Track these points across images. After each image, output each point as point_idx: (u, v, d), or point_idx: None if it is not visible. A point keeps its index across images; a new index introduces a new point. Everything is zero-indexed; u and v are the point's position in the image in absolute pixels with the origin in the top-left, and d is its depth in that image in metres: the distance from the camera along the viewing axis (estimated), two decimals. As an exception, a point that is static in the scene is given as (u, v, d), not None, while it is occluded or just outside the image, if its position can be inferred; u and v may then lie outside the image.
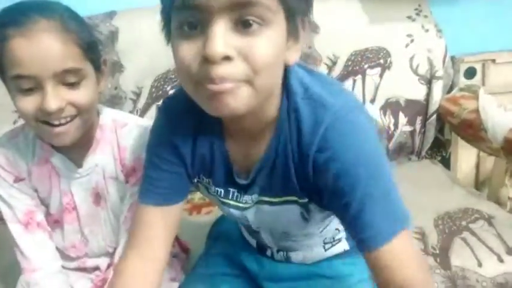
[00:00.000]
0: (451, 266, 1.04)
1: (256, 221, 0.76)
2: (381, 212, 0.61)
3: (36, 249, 0.91)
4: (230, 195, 0.74)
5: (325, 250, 0.86)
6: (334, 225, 0.84)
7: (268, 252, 0.89)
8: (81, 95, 0.72)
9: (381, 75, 1.31)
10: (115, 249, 0.95)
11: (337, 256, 0.87)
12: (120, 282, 0.71)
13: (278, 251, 0.88)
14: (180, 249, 1.10)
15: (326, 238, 0.85)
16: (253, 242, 0.93)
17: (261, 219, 0.75)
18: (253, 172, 0.68)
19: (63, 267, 0.96)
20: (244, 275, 0.98)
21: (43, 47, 0.67)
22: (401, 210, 0.62)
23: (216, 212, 1.16)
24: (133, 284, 0.71)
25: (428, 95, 1.33)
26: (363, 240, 0.62)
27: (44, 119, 0.71)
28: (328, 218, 0.76)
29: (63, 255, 0.96)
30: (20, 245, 0.90)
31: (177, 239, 1.09)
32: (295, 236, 0.82)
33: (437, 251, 1.05)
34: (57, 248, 0.95)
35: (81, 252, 0.95)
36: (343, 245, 0.87)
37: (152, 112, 1.28)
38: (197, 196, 1.34)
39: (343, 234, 0.85)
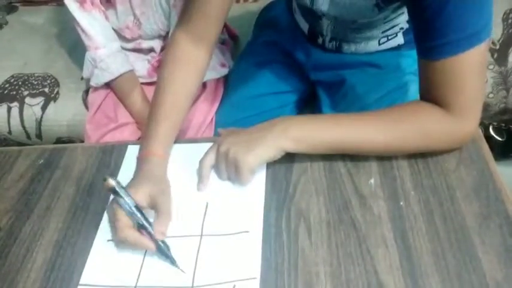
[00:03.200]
0: (507, 63, 1.01)
1: (327, 5, 0.73)
2: (459, 19, 0.56)
3: (96, 28, 0.94)
4: None
5: (379, 44, 0.84)
6: (401, 24, 0.80)
7: (320, 40, 0.88)
8: None
9: None
10: (167, 33, 0.97)
11: (390, 48, 0.85)
12: (172, 55, 0.75)
13: (331, 40, 0.86)
14: (228, 36, 1.10)
15: (385, 33, 0.82)
16: (305, 27, 0.91)
17: (333, 6, 0.72)
18: None
19: (121, 47, 1.00)
20: (291, 63, 0.99)
21: None
22: (485, 19, 0.57)
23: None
24: (184, 56, 0.74)
25: None
26: (427, 48, 0.59)
27: None
28: (401, 8, 0.72)
29: (120, 36, 0.99)
30: (80, 23, 0.93)
31: (225, 25, 1.08)
32: (360, 25, 0.79)
33: (498, 47, 1.01)
34: (114, 29, 0.98)
35: (135, 34, 0.98)
36: (398, 40, 0.84)
37: None
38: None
39: (402, 30, 0.82)
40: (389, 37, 0.85)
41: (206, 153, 0.68)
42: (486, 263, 0.55)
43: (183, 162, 0.71)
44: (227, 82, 1.05)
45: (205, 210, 0.65)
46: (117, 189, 0.61)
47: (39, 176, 0.74)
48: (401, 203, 0.62)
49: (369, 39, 0.85)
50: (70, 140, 1.18)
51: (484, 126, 1.20)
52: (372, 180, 0.65)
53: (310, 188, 0.66)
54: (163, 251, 0.60)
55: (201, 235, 0.62)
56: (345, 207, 0.63)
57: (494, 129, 1.20)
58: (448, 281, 0.54)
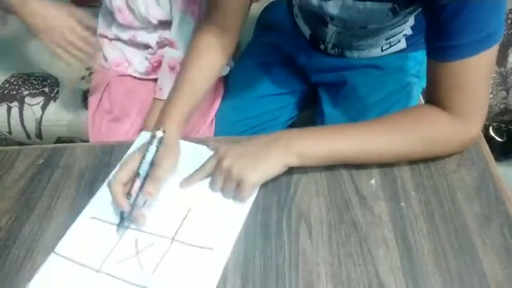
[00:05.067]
0: (507, 64, 1.01)
1: (338, 9, 0.73)
2: (476, 21, 0.55)
3: None
4: None
5: (382, 51, 0.84)
6: (405, 31, 0.79)
7: (322, 47, 0.88)
8: None
9: None
10: (159, 22, 0.97)
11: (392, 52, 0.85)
12: (195, 47, 0.80)
13: (333, 47, 0.86)
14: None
15: (388, 40, 0.81)
16: (307, 33, 0.91)
17: (344, 11, 0.72)
18: None
19: (118, 39, 1.00)
20: (291, 64, 0.99)
21: None
22: (500, 20, 0.56)
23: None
24: (205, 47, 0.79)
25: None
26: (440, 48, 0.58)
27: None
28: (412, 13, 0.72)
29: (116, 23, 0.99)
30: None
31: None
32: (368, 32, 0.79)
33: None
34: (109, 11, 0.98)
35: (127, 20, 0.98)
36: (401, 45, 0.84)
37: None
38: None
39: (405, 36, 0.81)
40: (392, 43, 0.84)
41: (206, 162, 0.67)
42: (487, 264, 0.55)
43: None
44: (227, 83, 1.05)
45: (186, 216, 0.65)
46: (156, 140, 0.65)
47: (39, 175, 0.74)
48: (402, 204, 0.62)
49: (372, 46, 0.85)
50: (70, 140, 1.18)
51: (484, 127, 1.20)
52: (373, 181, 0.65)
53: (311, 188, 0.66)
54: (122, 216, 0.64)
55: (173, 239, 0.62)
56: (346, 208, 0.63)
57: (494, 130, 1.20)
58: (449, 281, 0.54)
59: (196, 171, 0.68)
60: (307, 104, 1.04)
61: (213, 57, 0.79)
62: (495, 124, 1.21)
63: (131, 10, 0.99)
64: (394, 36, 0.82)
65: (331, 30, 0.84)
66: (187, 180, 0.68)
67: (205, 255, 0.60)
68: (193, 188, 0.68)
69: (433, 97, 0.63)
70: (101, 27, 1.11)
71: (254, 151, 0.64)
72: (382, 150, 0.64)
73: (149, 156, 0.65)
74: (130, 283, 0.58)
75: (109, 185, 0.65)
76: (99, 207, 0.67)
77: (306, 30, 0.91)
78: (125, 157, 0.71)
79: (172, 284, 0.58)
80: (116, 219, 0.65)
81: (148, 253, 0.61)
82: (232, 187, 0.64)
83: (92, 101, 1.07)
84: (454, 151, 0.66)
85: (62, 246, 0.63)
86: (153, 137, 0.66)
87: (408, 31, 0.82)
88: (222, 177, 0.64)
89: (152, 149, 0.65)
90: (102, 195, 0.68)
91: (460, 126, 0.62)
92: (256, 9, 1.18)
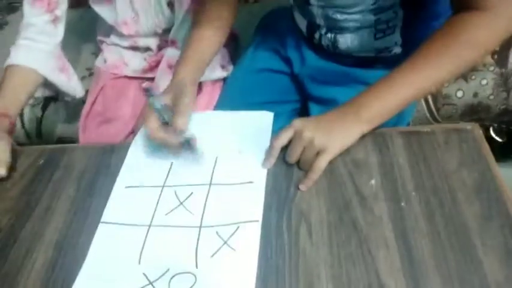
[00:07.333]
0: (508, 64, 1.01)
1: None
2: None
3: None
4: None
5: (375, 39, 0.83)
6: (395, 8, 0.79)
7: (317, 36, 0.88)
8: None
9: None
10: (163, 30, 0.98)
11: (387, 62, 0.84)
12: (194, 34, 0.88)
13: (326, 32, 0.86)
14: (229, 38, 1.10)
15: (378, 18, 0.80)
16: (303, 24, 0.91)
17: None
18: None
19: (117, 44, 1.00)
20: (288, 72, 1.00)
21: None
22: None
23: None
24: (206, 30, 0.89)
25: None
26: None
27: None
28: None
29: (116, 32, 0.99)
30: None
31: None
32: (346, 2, 0.79)
33: (498, 48, 1.00)
34: (110, 25, 0.98)
35: (132, 30, 0.98)
36: (395, 38, 0.83)
37: None
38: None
39: (398, 22, 0.81)
40: (386, 32, 0.84)
41: (279, 135, 0.70)
42: (487, 264, 0.55)
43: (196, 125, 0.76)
44: (225, 86, 1.05)
45: (215, 163, 0.72)
46: (149, 90, 0.71)
47: (40, 176, 0.74)
48: (402, 204, 0.62)
49: (361, 28, 0.84)
50: (70, 140, 1.18)
51: (484, 127, 1.20)
52: (373, 181, 0.65)
53: (311, 189, 0.66)
54: (187, 146, 0.71)
55: (210, 184, 0.69)
56: (346, 208, 0.63)
57: (495, 131, 1.20)
58: (449, 282, 0.54)
59: (272, 148, 0.71)
60: (302, 113, 1.04)
61: (213, 30, 0.88)
62: (496, 125, 1.20)
63: (136, 23, 0.98)
64: (382, 13, 0.82)
65: (314, 7, 0.85)
66: (269, 160, 0.71)
67: (246, 188, 0.67)
68: (214, 139, 0.75)
69: (466, 6, 0.67)
70: (99, 34, 1.11)
71: (328, 125, 0.68)
72: (443, 79, 0.71)
73: (157, 105, 0.70)
74: (184, 227, 0.63)
75: (152, 137, 0.72)
76: (130, 176, 0.72)
77: (302, 22, 0.92)
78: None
79: (224, 217, 0.64)
80: (149, 182, 0.70)
81: (191, 201, 0.67)
82: (312, 156, 0.67)
83: (84, 108, 1.06)
84: (498, 43, 0.70)
85: (108, 215, 0.67)
86: (147, 95, 0.72)
87: (400, 14, 0.81)
88: (302, 147, 0.67)
89: (151, 99, 0.70)
90: (131, 164, 0.74)
91: (499, 21, 0.67)
92: (257, 10, 1.19)
